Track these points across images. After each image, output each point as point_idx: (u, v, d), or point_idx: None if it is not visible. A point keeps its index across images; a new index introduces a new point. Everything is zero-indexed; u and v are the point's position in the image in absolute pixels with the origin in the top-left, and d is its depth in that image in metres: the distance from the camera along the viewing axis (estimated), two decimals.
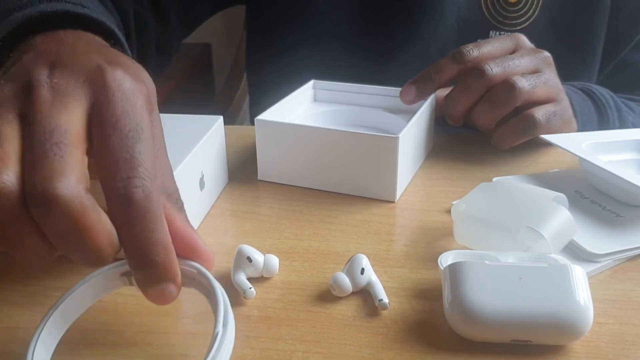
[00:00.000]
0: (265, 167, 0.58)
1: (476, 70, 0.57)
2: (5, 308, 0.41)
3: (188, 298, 0.38)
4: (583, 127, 0.64)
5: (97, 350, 0.37)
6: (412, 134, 0.55)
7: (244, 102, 1.29)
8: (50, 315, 0.34)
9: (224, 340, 0.32)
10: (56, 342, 0.35)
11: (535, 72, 0.60)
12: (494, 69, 0.56)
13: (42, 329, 0.33)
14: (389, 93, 0.64)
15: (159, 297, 0.33)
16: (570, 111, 0.62)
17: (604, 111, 0.68)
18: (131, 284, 0.36)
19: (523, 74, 0.58)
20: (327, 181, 0.56)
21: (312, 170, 0.56)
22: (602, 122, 0.68)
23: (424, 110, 0.58)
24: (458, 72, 0.59)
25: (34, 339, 0.33)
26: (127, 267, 0.35)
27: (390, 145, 0.52)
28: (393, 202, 0.54)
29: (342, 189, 0.55)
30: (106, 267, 0.36)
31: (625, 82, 0.79)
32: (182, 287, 0.34)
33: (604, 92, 0.70)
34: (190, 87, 1.64)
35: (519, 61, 0.58)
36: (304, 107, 0.65)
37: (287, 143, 0.56)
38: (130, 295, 0.40)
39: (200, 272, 0.36)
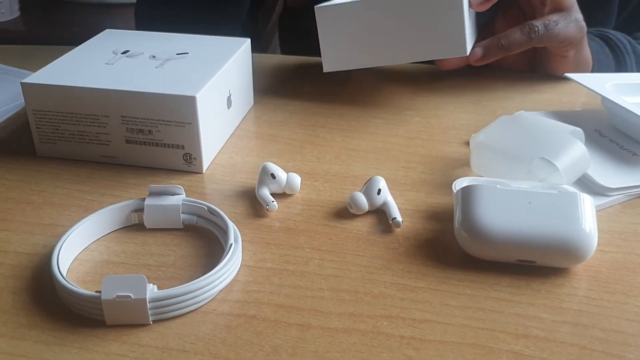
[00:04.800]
0: (331, 57, 0.58)
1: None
2: (47, 207, 0.44)
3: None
4: (600, 72, 0.65)
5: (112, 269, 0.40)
6: None
7: (274, 38, 1.29)
8: (74, 230, 0.39)
9: (236, 250, 0.37)
10: (77, 252, 0.39)
11: None
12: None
13: (68, 235, 0.38)
14: None
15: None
16: (580, 15, 0.62)
17: (621, 56, 0.68)
18: (138, 221, 0.41)
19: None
20: (395, 52, 0.57)
21: (379, 44, 0.57)
22: (620, 67, 0.68)
23: None
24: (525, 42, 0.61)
25: (58, 244, 0.37)
26: (137, 205, 0.41)
27: None
28: (465, 54, 0.56)
29: (411, 56, 0.57)
30: (122, 203, 0.41)
31: None
32: (196, 227, 0.42)
33: (620, 37, 0.69)
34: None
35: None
36: None
37: (350, 24, 0.56)
38: None
39: (209, 209, 0.40)
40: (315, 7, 0.57)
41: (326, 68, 0.59)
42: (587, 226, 0.37)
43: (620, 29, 0.73)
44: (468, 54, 0.56)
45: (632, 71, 0.67)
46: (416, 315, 0.34)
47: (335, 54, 0.58)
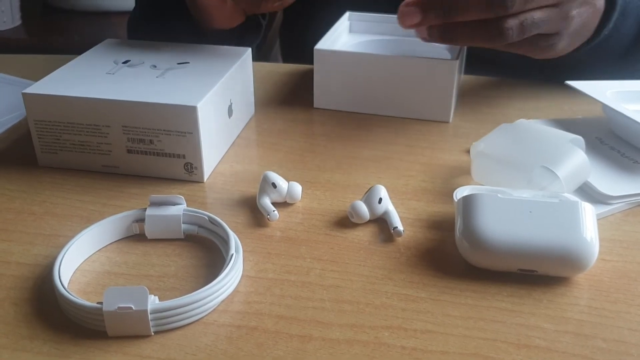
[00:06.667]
0: (322, 95, 0.61)
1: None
2: (48, 218, 0.44)
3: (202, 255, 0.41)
4: (624, 7, 0.57)
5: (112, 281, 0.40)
6: (461, 61, 0.59)
7: (275, 46, 1.29)
8: (75, 241, 0.39)
9: (237, 260, 0.37)
10: (79, 263, 0.39)
11: None
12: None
13: (70, 246, 0.38)
14: None
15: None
16: (579, 19, 0.53)
17: None
18: (140, 232, 0.41)
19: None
20: (382, 105, 0.60)
21: (369, 95, 0.59)
22: None
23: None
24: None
25: (59, 255, 0.37)
26: (138, 215, 0.41)
27: (447, 68, 0.56)
28: (447, 122, 0.59)
29: (397, 112, 0.60)
30: (123, 213, 0.41)
31: None
32: (197, 237, 0.42)
33: None
34: None
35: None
36: (342, 39, 0.67)
37: (345, 71, 0.59)
38: None
39: (210, 219, 0.40)
40: (315, 48, 0.59)
41: (316, 104, 0.62)
42: (588, 235, 0.37)
43: None
44: (450, 121, 0.59)
45: None
46: (418, 325, 0.34)
47: (327, 94, 0.61)
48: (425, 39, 0.53)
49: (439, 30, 0.51)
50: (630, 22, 0.59)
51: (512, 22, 0.49)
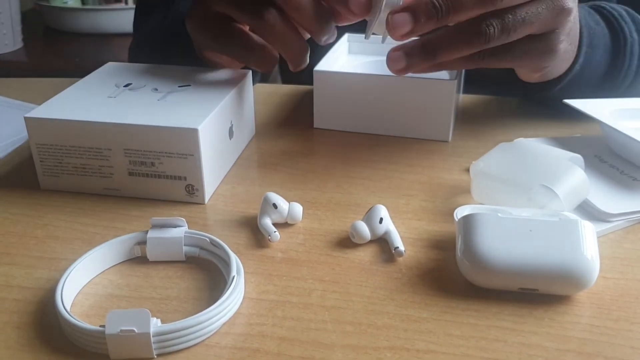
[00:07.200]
0: (323, 116, 0.62)
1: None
2: (50, 241, 0.44)
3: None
4: (590, 40, 0.57)
5: (115, 303, 0.40)
6: (459, 81, 0.59)
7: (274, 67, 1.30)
8: (77, 264, 0.39)
9: (238, 282, 0.37)
10: (81, 286, 0.39)
11: None
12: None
13: (72, 269, 0.38)
14: None
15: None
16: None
17: (616, 24, 0.59)
18: (141, 254, 0.41)
19: None
20: (382, 125, 0.61)
21: (368, 115, 0.60)
22: (616, 36, 0.60)
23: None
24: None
25: (62, 279, 0.37)
26: (139, 238, 0.41)
27: (446, 88, 0.57)
28: (447, 141, 0.59)
29: (396, 131, 0.60)
30: (125, 236, 0.41)
31: None
32: (199, 259, 0.42)
33: (616, 7, 0.61)
34: None
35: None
36: (341, 60, 0.68)
37: (345, 92, 0.60)
38: None
39: (212, 241, 0.41)
40: (314, 69, 0.60)
41: (316, 124, 0.62)
42: (588, 253, 0.37)
43: None
44: (450, 140, 0.59)
45: (632, 39, 0.60)
46: (420, 346, 0.34)
47: (327, 115, 0.62)
48: (400, 71, 0.50)
49: (419, 48, 0.48)
50: (599, 52, 0.59)
51: (491, 19, 0.45)
